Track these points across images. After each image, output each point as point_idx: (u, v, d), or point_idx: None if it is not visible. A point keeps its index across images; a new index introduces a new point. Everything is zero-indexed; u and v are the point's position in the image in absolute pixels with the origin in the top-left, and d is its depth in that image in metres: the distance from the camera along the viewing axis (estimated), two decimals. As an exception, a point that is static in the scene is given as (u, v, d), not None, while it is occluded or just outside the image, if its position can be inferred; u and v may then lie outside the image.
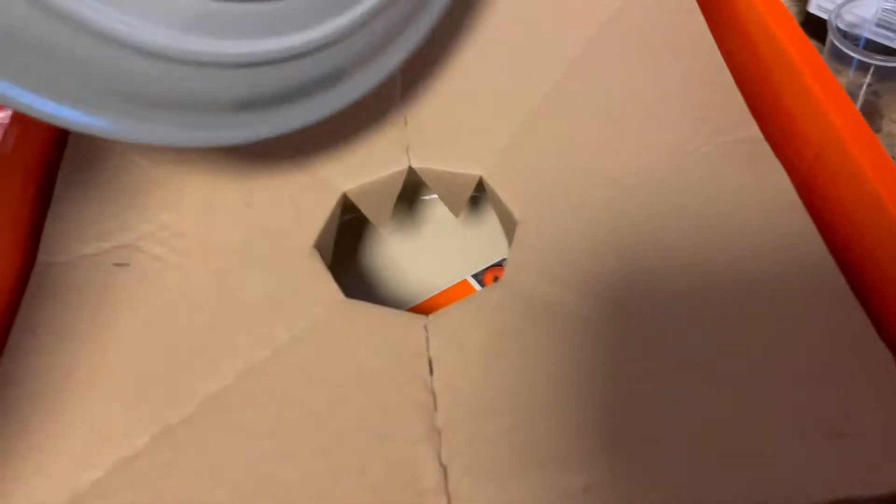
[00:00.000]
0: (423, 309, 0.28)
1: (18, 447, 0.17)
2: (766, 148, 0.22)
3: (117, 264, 0.20)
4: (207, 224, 0.22)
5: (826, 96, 0.21)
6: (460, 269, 0.30)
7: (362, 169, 0.24)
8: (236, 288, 0.21)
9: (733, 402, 0.17)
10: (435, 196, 0.31)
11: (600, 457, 0.17)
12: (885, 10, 0.36)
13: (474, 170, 0.24)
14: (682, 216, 0.21)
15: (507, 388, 0.18)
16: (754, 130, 0.22)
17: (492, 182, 0.23)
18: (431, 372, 0.19)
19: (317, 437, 0.17)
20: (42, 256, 0.20)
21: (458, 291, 0.29)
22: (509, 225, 0.23)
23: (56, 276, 0.20)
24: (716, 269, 0.20)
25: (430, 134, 0.24)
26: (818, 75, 0.22)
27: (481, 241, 0.30)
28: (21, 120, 0.21)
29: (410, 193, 0.31)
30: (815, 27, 0.40)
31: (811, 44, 0.22)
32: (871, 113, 0.37)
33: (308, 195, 0.23)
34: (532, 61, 0.25)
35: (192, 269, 0.21)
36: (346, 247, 0.30)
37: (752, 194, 0.21)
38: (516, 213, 0.22)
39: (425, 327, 0.20)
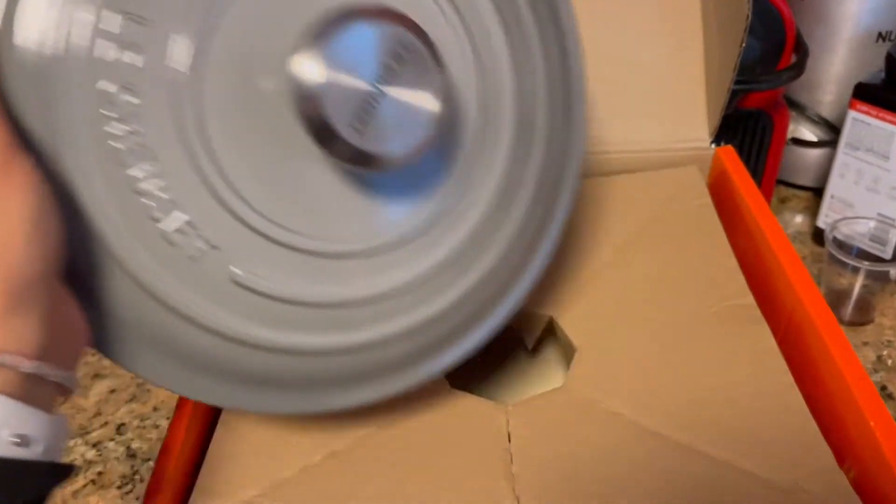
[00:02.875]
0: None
1: (237, 455, 0.26)
2: (757, 311, 0.31)
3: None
4: None
5: (798, 281, 0.30)
6: (524, 392, 0.38)
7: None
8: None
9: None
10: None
11: None
12: (874, 227, 0.46)
13: (546, 311, 0.33)
14: (685, 356, 0.30)
15: (588, 477, 0.26)
16: (749, 299, 0.31)
17: (559, 321, 0.32)
18: (510, 440, 0.27)
19: (423, 469, 0.26)
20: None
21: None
22: (569, 353, 0.32)
23: None
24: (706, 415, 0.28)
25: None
26: (795, 268, 0.31)
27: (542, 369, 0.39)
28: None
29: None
30: (822, 238, 0.49)
31: (792, 247, 0.32)
32: (865, 306, 0.46)
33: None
34: (589, 241, 0.35)
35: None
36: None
37: (742, 345, 0.30)
38: (576, 343, 0.31)
39: (507, 410, 0.28)
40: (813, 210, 0.56)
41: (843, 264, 0.44)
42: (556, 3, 0.26)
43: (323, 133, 0.20)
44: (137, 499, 0.36)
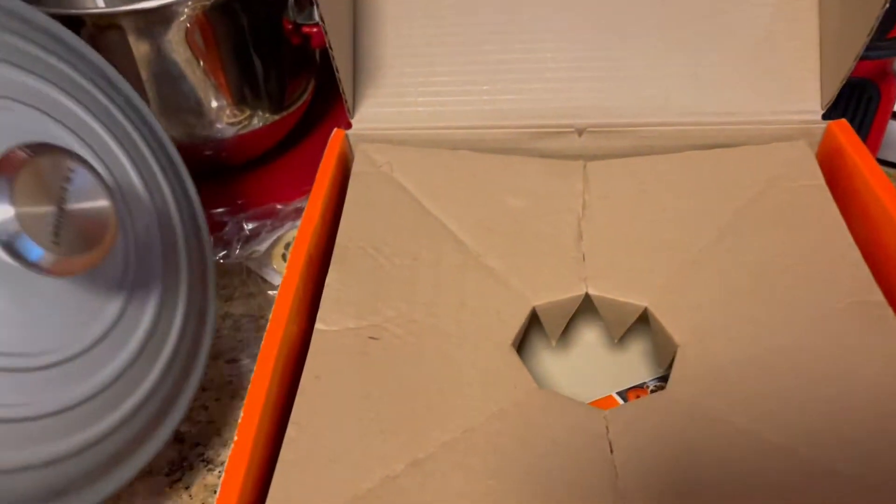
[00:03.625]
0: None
1: (312, 462, 0.23)
2: (888, 310, 0.27)
3: (371, 338, 0.27)
4: (432, 316, 0.28)
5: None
6: (605, 386, 0.35)
7: (549, 290, 0.30)
8: (455, 367, 0.27)
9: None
10: (586, 321, 0.37)
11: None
12: None
13: (640, 301, 0.29)
14: (806, 359, 0.26)
15: (680, 480, 0.23)
16: (878, 295, 0.28)
17: (656, 312, 0.29)
18: (612, 451, 0.24)
19: (521, 485, 0.23)
20: (319, 325, 0.27)
21: (604, 404, 0.34)
22: (667, 349, 0.29)
23: (330, 340, 0.27)
24: (832, 415, 0.25)
25: (604, 269, 0.31)
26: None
27: (624, 364, 0.35)
28: (305, 232, 0.29)
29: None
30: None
31: None
32: None
33: (507, 305, 0.29)
34: (692, 222, 0.32)
35: (423, 349, 0.27)
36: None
37: (872, 348, 0.26)
38: (676, 338, 0.28)
39: (605, 417, 0.25)
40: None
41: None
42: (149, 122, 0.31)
43: (26, 256, 0.22)
44: (187, 488, 0.34)
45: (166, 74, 0.39)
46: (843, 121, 0.34)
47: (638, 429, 0.24)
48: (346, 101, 0.35)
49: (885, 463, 0.23)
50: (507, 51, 0.37)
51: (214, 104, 0.42)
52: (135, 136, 0.30)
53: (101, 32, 0.37)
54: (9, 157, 0.22)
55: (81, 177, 0.24)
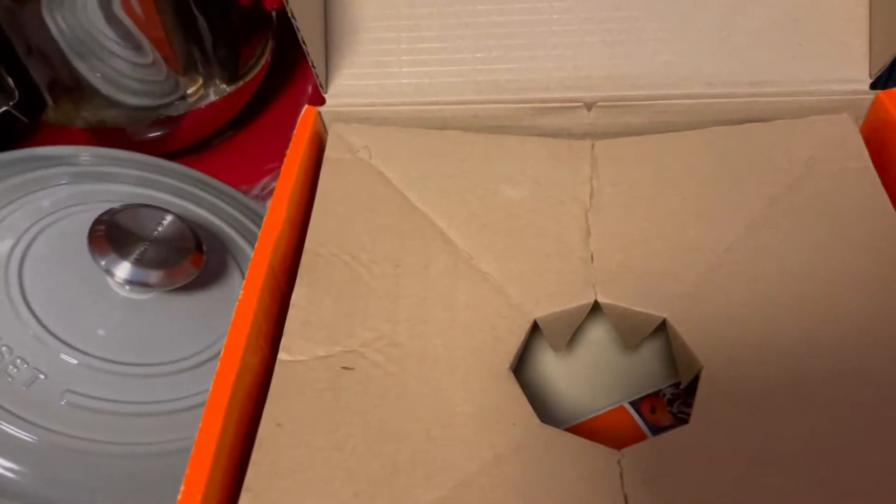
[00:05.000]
0: (579, 431, 0.30)
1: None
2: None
3: (345, 368, 0.23)
4: (418, 337, 0.24)
5: None
6: (616, 393, 0.31)
7: (553, 299, 0.26)
8: (445, 401, 0.23)
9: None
10: (595, 318, 0.33)
11: None
12: None
13: (658, 311, 0.25)
14: (869, 386, 0.22)
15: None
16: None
17: (676, 324, 0.25)
18: (627, 506, 0.20)
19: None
20: (282, 355, 0.23)
21: (614, 417, 0.30)
22: (690, 366, 0.25)
23: (295, 374, 0.23)
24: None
25: (615, 272, 0.26)
26: None
27: (637, 367, 0.32)
28: (267, 237, 0.25)
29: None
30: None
31: None
32: None
33: (504, 319, 0.25)
34: (718, 215, 0.27)
35: (407, 379, 0.23)
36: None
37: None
38: (701, 357, 0.24)
39: (619, 462, 0.21)
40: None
41: None
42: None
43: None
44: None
45: (99, 50, 0.34)
46: (895, 90, 0.30)
47: (656, 477, 0.21)
48: (317, 75, 0.30)
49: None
50: (505, 11, 0.32)
51: (160, 79, 0.37)
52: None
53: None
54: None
55: (171, 223, 0.32)
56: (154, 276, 0.30)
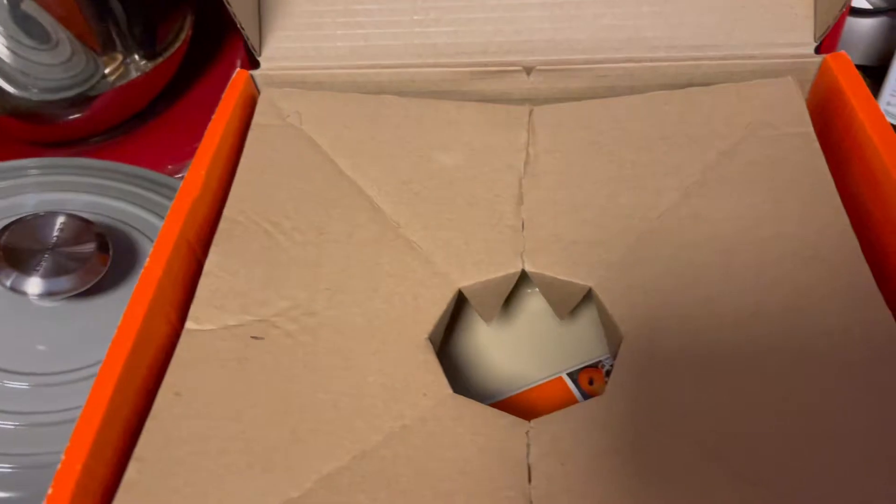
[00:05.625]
0: (515, 403, 0.29)
1: (156, 503, 0.19)
2: (877, 294, 0.22)
3: (254, 337, 0.23)
4: (336, 306, 0.24)
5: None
6: (553, 364, 0.31)
7: (479, 268, 0.25)
8: (356, 371, 0.22)
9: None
10: (533, 290, 0.32)
11: None
12: None
13: (585, 280, 0.25)
14: (790, 355, 0.22)
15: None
16: (869, 280, 0.23)
17: (601, 294, 0.24)
18: (530, 480, 0.20)
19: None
20: (190, 324, 0.23)
21: (551, 389, 0.30)
22: (613, 337, 0.24)
23: (201, 343, 0.22)
24: (824, 415, 0.20)
25: (545, 241, 0.26)
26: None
27: (576, 338, 0.31)
28: (181, 203, 0.24)
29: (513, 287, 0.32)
30: None
31: None
32: None
33: (427, 288, 0.25)
34: (649, 183, 0.27)
35: (319, 349, 0.23)
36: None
37: (858, 345, 0.21)
38: (622, 328, 0.23)
39: (527, 433, 0.21)
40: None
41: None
42: None
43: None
44: None
45: (8, 30, 0.33)
46: (843, 54, 0.29)
47: (564, 450, 0.20)
48: (247, 37, 0.29)
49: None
50: (443, -28, 0.31)
51: (76, 58, 0.36)
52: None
53: None
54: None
55: (68, 224, 0.30)
56: (62, 282, 0.28)
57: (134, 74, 0.37)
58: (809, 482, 0.19)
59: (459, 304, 0.32)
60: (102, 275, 0.29)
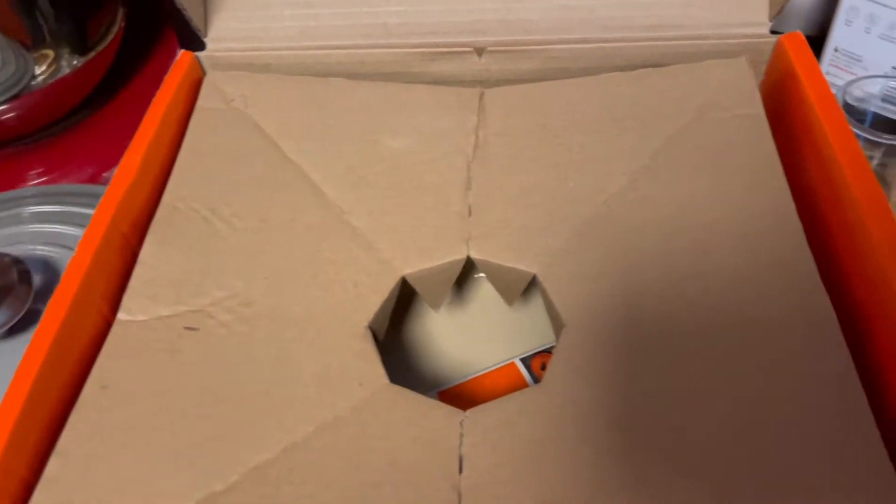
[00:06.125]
0: (466, 390, 0.29)
1: (76, 499, 0.19)
2: (818, 283, 0.22)
3: (188, 328, 0.22)
4: (274, 295, 0.24)
5: (884, 239, 0.21)
6: (507, 349, 0.30)
7: (423, 254, 0.25)
8: (291, 361, 0.22)
9: None
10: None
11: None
12: (890, 87, 0.38)
13: (530, 267, 0.24)
14: (732, 341, 0.21)
15: (535, 499, 0.19)
16: (810, 265, 0.22)
17: (545, 281, 0.24)
18: (461, 470, 0.20)
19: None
20: (121, 315, 0.22)
21: (504, 374, 0.30)
22: (557, 324, 0.24)
23: (132, 334, 0.22)
24: (760, 409, 0.20)
25: (491, 227, 0.25)
26: (881, 220, 0.22)
27: (530, 323, 0.31)
28: (115, 190, 0.24)
29: (463, 272, 0.32)
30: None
31: (877, 184, 0.22)
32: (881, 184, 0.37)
33: (369, 276, 0.24)
34: (598, 167, 0.26)
35: (254, 339, 0.22)
36: (392, 318, 0.31)
37: (797, 331, 0.21)
38: (564, 316, 0.23)
39: (461, 423, 0.21)
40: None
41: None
42: None
43: None
44: None
45: None
46: (798, 34, 0.28)
47: (497, 439, 0.20)
48: (190, 18, 0.29)
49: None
50: (393, -49, 0.30)
51: (3, 54, 0.34)
52: None
53: None
54: None
55: None
56: None
57: (65, 71, 0.36)
58: (747, 471, 0.19)
59: (411, 291, 0.32)
60: (27, 308, 0.29)
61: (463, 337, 0.31)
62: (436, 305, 0.27)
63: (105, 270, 0.23)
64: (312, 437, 0.20)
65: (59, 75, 0.36)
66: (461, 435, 0.20)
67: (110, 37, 0.38)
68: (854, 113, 0.37)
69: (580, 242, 0.25)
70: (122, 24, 0.39)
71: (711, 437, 0.20)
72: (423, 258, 0.25)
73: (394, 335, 0.31)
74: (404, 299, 0.32)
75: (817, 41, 0.42)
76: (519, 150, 0.27)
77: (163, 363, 0.21)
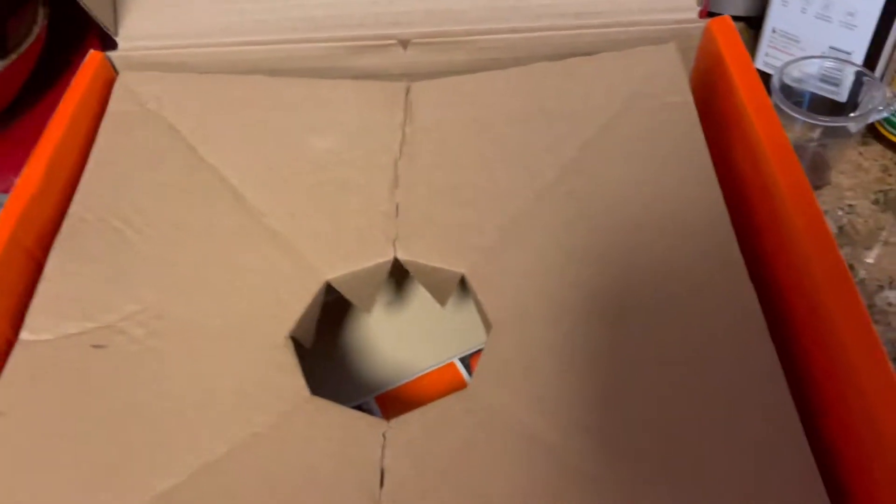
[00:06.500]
0: (405, 392, 0.28)
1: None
2: (744, 274, 0.22)
3: (96, 346, 0.21)
4: (189, 306, 0.23)
5: (812, 231, 0.21)
6: (446, 349, 0.30)
7: (348, 258, 0.24)
8: (206, 376, 0.21)
9: None
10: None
11: None
12: (826, 67, 0.38)
13: (458, 267, 0.24)
14: (659, 334, 0.21)
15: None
16: (736, 255, 0.22)
17: (473, 281, 0.23)
18: (382, 484, 0.19)
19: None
20: (24, 335, 0.21)
21: (443, 374, 0.29)
22: (486, 325, 0.23)
23: (36, 355, 0.21)
24: (689, 405, 0.20)
25: (418, 226, 0.25)
26: (808, 215, 0.21)
27: (469, 321, 0.30)
28: (17, 202, 0.23)
29: (399, 271, 0.31)
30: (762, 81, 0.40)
31: (802, 174, 0.22)
32: (819, 165, 0.37)
33: (291, 282, 0.23)
34: (528, 161, 0.25)
35: (168, 355, 0.21)
36: (329, 321, 0.30)
37: (723, 313, 0.21)
38: (491, 317, 0.22)
39: (384, 435, 0.20)
40: (749, 48, 0.46)
41: (792, 118, 0.35)
42: None
43: None
44: None
45: None
46: (726, 18, 0.28)
47: (420, 450, 0.19)
48: (97, 17, 0.27)
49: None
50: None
51: None
52: None
53: None
54: None
55: None
56: None
57: None
58: (670, 457, 0.18)
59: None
60: None
61: (401, 338, 0.30)
62: (366, 308, 0.26)
63: (5, 289, 0.22)
64: (226, 458, 0.19)
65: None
66: (383, 447, 0.20)
67: (31, 38, 0.36)
68: (792, 94, 0.37)
69: (508, 240, 0.24)
70: (45, 23, 0.37)
71: (643, 429, 0.19)
72: (347, 261, 0.24)
73: (330, 340, 0.30)
74: (341, 303, 0.31)
75: (758, 22, 0.42)
76: (447, 146, 0.27)
77: (68, 385, 0.20)
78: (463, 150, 0.26)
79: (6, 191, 0.37)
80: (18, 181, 0.23)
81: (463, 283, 0.24)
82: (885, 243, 0.35)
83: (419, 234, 0.25)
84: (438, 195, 0.25)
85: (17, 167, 0.37)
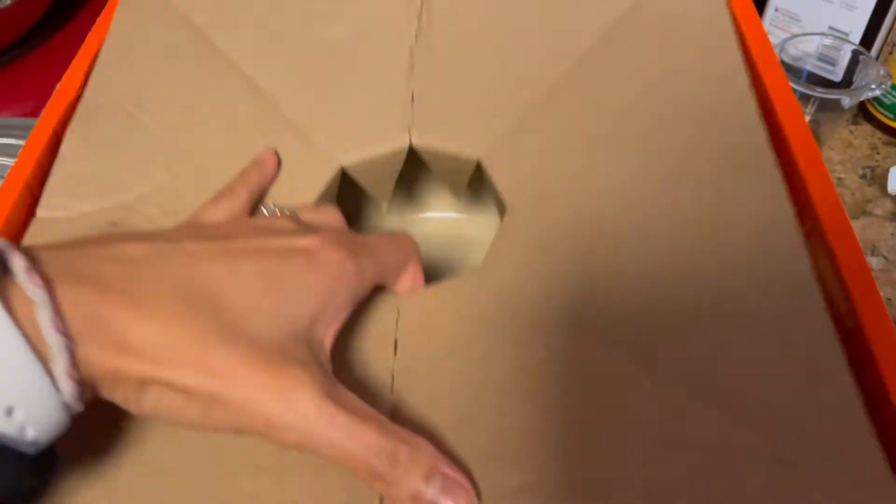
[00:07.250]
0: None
1: None
2: (770, 157, 0.21)
3: (112, 223, 0.21)
4: (204, 190, 0.22)
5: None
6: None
7: (363, 144, 0.24)
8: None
9: (684, 415, 0.17)
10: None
11: (538, 458, 0.17)
12: (825, 45, 0.39)
13: (473, 152, 0.23)
14: (673, 225, 0.21)
15: (464, 380, 0.18)
16: (761, 137, 0.21)
17: (488, 166, 0.23)
18: (395, 353, 0.19)
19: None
20: (41, 212, 0.21)
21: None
22: (501, 209, 0.23)
23: (52, 232, 0.21)
24: (700, 281, 0.19)
25: (434, 113, 0.24)
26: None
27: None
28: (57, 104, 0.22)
29: (409, 173, 0.31)
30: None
31: (798, 107, 0.21)
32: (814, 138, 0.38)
33: (305, 167, 0.23)
34: (547, 48, 0.25)
35: (183, 233, 0.21)
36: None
37: (748, 208, 0.20)
38: (507, 200, 0.22)
39: (398, 308, 0.20)
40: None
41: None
42: None
43: None
44: None
45: None
46: None
47: (433, 323, 0.19)
48: None
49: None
50: None
51: None
52: None
53: None
54: None
55: None
56: None
57: (7, 3, 0.33)
58: (673, 347, 0.18)
59: (354, 204, 0.30)
60: None
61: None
62: (382, 198, 0.26)
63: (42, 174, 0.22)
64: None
65: (2, 6, 0.34)
66: (397, 321, 0.20)
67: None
68: (790, 72, 0.38)
69: (525, 127, 0.23)
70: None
71: (648, 315, 0.19)
72: (362, 148, 0.24)
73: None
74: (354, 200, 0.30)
75: (762, 0, 0.43)
76: (463, 35, 0.26)
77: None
78: (480, 40, 0.26)
79: (27, 114, 0.37)
80: (60, 83, 0.23)
81: (478, 170, 0.24)
82: (870, 214, 0.37)
83: (434, 121, 0.24)
84: (454, 83, 0.25)
85: (33, 91, 0.37)
